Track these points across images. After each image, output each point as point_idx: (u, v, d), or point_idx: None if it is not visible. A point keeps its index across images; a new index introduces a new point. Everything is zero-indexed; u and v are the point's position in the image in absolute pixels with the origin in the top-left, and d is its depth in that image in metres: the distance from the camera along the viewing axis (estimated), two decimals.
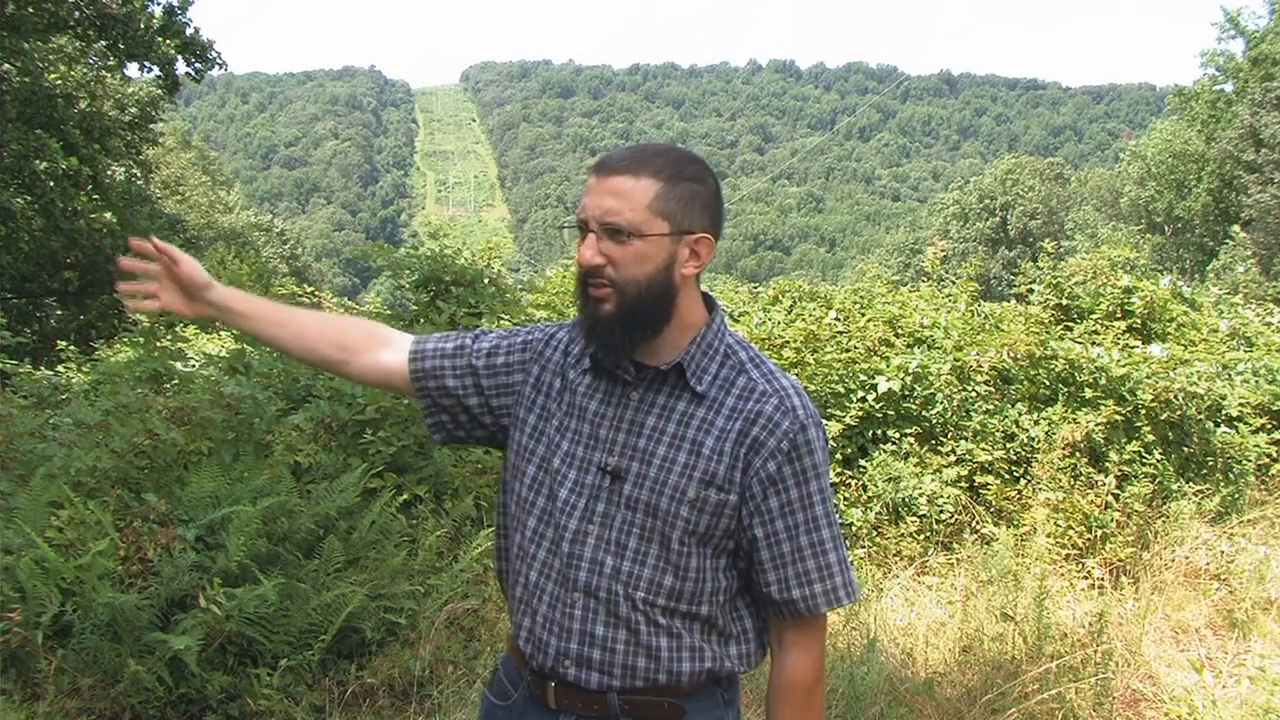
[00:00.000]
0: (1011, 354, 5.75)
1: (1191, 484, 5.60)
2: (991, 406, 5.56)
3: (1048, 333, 6.33)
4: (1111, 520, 4.99)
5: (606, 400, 1.57)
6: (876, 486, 5.05)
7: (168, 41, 15.29)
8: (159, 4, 15.36)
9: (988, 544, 4.83)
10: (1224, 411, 6.00)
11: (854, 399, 5.40)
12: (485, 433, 1.71)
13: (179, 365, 5.13)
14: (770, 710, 1.59)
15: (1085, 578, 4.74)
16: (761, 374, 1.55)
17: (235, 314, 1.67)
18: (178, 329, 5.41)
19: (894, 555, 4.88)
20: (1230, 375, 6.45)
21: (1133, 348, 6.40)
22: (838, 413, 5.28)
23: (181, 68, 15.78)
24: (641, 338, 1.51)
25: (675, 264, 1.49)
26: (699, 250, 1.51)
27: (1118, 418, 5.40)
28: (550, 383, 1.62)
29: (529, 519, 1.59)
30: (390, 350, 1.70)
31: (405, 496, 4.15)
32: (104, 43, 15.37)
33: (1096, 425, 5.29)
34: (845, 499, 5.08)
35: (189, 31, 15.53)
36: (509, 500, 1.65)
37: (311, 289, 8.48)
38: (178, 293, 1.65)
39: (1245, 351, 7.16)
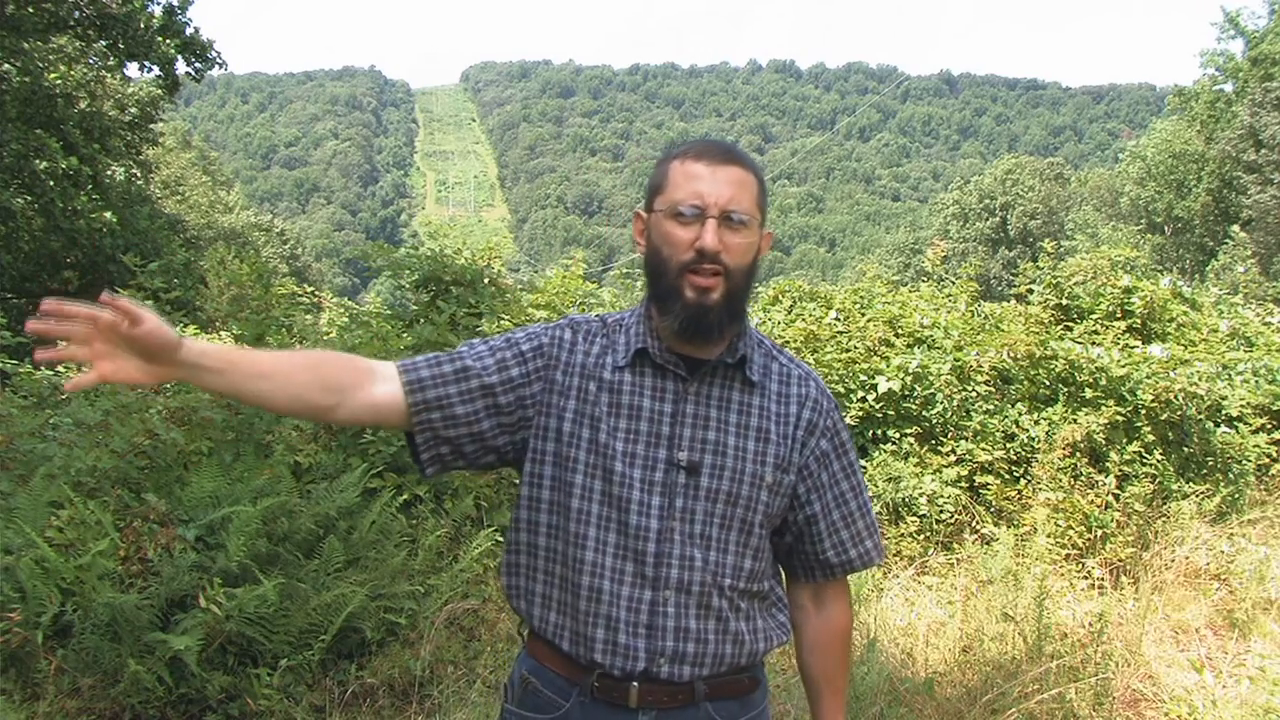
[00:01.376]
0: (1011, 354, 5.75)
1: (1191, 484, 5.60)
2: (991, 406, 5.56)
3: (1048, 333, 6.33)
4: (1111, 520, 4.99)
5: (659, 396, 1.56)
6: (876, 486, 5.05)
7: (168, 41, 15.29)
8: (159, 4, 15.37)
9: (988, 544, 4.83)
10: (1224, 412, 6.00)
11: (854, 399, 5.40)
12: (494, 456, 1.60)
13: None
14: (821, 661, 1.70)
15: (1085, 578, 4.74)
16: (786, 359, 1.67)
17: (210, 371, 1.42)
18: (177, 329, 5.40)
19: (894, 555, 4.87)
20: (1230, 375, 6.46)
21: (1133, 348, 6.41)
22: None
23: (181, 67, 15.77)
24: (737, 325, 1.56)
25: (759, 256, 1.57)
26: (763, 245, 1.59)
27: (1118, 418, 5.40)
28: (581, 386, 1.56)
29: (587, 529, 1.54)
30: (381, 383, 1.53)
31: (405, 496, 4.15)
32: (104, 43, 15.36)
33: (1097, 425, 5.29)
34: None
35: (189, 31, 15.52)
36: (543, 516, 1.59)
37: (311, 289, 8.47)
38: (133, 357, 1.37)
39: (1245, 351, 7.16)
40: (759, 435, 1.57)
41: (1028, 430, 5.43)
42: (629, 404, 1.55)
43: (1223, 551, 4.99)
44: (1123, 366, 5.73)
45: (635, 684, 1.53)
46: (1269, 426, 6.19)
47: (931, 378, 5.52)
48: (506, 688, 1.68)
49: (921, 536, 4.95)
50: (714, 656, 1.55)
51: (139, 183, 19.82)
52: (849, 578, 1.73)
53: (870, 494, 1.74)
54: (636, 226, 1.60)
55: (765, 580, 1.62)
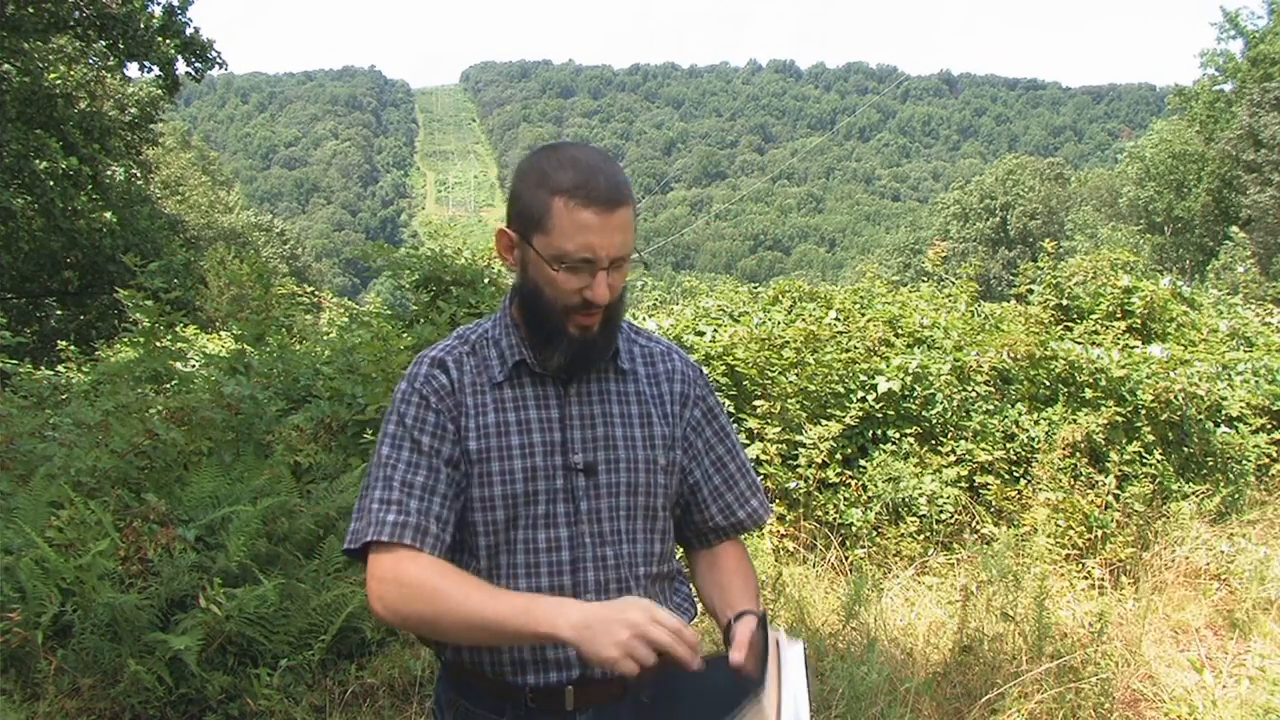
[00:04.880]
0: (1011, 354, 5.75)
1: (1191, 484, 5.60)
2: (991, 406, 5.56)
3: (1048, 333, 6.34)
4: (1111, 520, 4.99)
5: (542, 404, 1.55)
6: (876, 486, 5.05)
7: (168, 41, 15.28)
8: (159, 4, 15.36)
9: (988, 544, 4.82)
10: (1224, 412, 6.01)
11: (854, 399, 5.39)
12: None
13: (179, 365, 5.12)
14: (717, 567, 1.66)
15: (1085, 578, 4.74)
16: (644, 338, 1.68)
17: None
18: (178, 329, 5.40)
19: (894, 555, 4.87)
20: (1230, 375, 6.46)
21: (1133, 348, 6.41)
22: (838, 413, 5.27)
23: (181, 68, 15.76)
24: (615, 342, 1.57)
25: None
26: None
27: (1118, 418, 5.40)
28: (465, 425, 1.53)
29: (501, 558, 1.53)
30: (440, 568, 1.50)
31: None
32: (104, 43, 15.36)
33: (1097, 426, 5.29)
34: (845, 499, 5.08)
35: (189, 31, 15.51)
36: (463, 559, 1.56)
37: (311, 289, 8.49)
38: None
39: (1245, 351, 7.16)
40: (642, 420, 1.59)
41: (1028, 430, 5.42)
42: (517, 419, 1.54)
43: (1223, 551, 4.99)
44: (1123, 367, 5.73)
45: (571, 688, 1.52)
46: (1269, 426, 6.19)
47: (931, 378, 5.52)
48: (434, 711, 1.66)
49: (921, 536, 4.95)
50: None
51: (139, 183, 19.83)
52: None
53: (748, 455, 1.75)
54: (503, 243, 1.53)
55: (671, 559, 1.65)
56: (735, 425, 4.99)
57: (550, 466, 1.53)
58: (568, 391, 1.56)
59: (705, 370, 1.68)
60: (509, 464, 1.52)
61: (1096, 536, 4.94)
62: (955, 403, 5.47)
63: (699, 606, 1.69)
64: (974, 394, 5.56)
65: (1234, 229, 28.96)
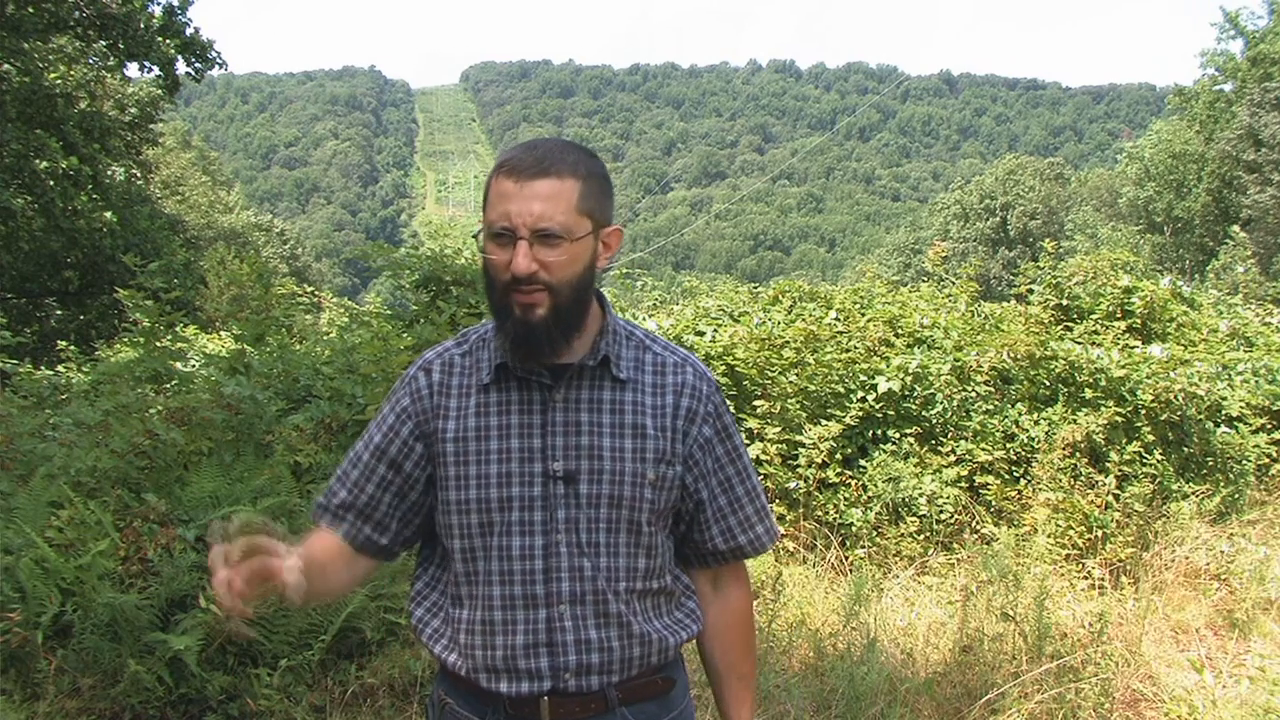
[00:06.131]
0: (1011, 354, 5.75)
1: (1191, 484, 5.60)
2: (991, 406, 5.56)
3: (1048, 333, 6.34)
4: (1112, 520, 4.99)
5: (526, 409, 1.53)
6: (876, 486, 5.05)
7: (168, 41, 15.26)
8: (159, 4, 15.35)
9: (988, 544, 4.83)
10: (1224, 412, 6.01)
11: (854, 399, 5.39)
12: (426, 520, 1.63)
13: (179, 365, 5.12)
14: (722, 646, 1.68)
15: (1085, 578, 4.74)
16: (661, 347, 1.62)
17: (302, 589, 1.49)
18: (178, 329, 5.40)
19: (894, 555, 4.87)
20: (1230, 375, 6.46)
21: (1133, 348, 6.41)
22: (838, 413, 5.27)
23: (181, 68, 15.74)
24: (572, 337, 1.50)
25: (596, 260, 1.51)
26: (609, 242, 1.54)
27: (1118, 418, 5.41)
28: (444, 427, 1.55)
29: (474, 565, 1.54)
30: (351, 564, 1.63)
31: None
32: (104, 43, 15.34)
33: (1097, 426, 5.29)
34: (845, 499, 5.08)
35: (189, 31, 15.49)
36: (443, 563, 1.61)
37: (311, 289, 8.49)
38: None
39: (1245, 351, 7.16)
40: (635, 432, 1.53)
41: (1028, 430, 5.42)
42: (498, 424, 1.53)
43: (1222, 551, 4.99)
44: (1122, 367, 5.73)
45: (546, 698, 1.52)
46: (1269, 426, 6.19)
47: (931, 378, 5.52)
48: (428, 705, 1.69)
49: (921, 536, 4.95)
50: (622, 662, 1.54)
51: (139, 183, 19.82)
52: (749, 562, 1.73)
53: (759, 478, 1.68)
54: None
55: (666, 575, 1.60)
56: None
57: (527, 473, 1.51)
58: (553, 397, 1.52)
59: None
60: (484, 468, 1.52)
61: (1096, 536, 4.94)
62: (955, 403, 5.47)
63: (701, 624, 1.67)
64: (974, 394, 5.56)
65: (1234, 229, 28.94)
